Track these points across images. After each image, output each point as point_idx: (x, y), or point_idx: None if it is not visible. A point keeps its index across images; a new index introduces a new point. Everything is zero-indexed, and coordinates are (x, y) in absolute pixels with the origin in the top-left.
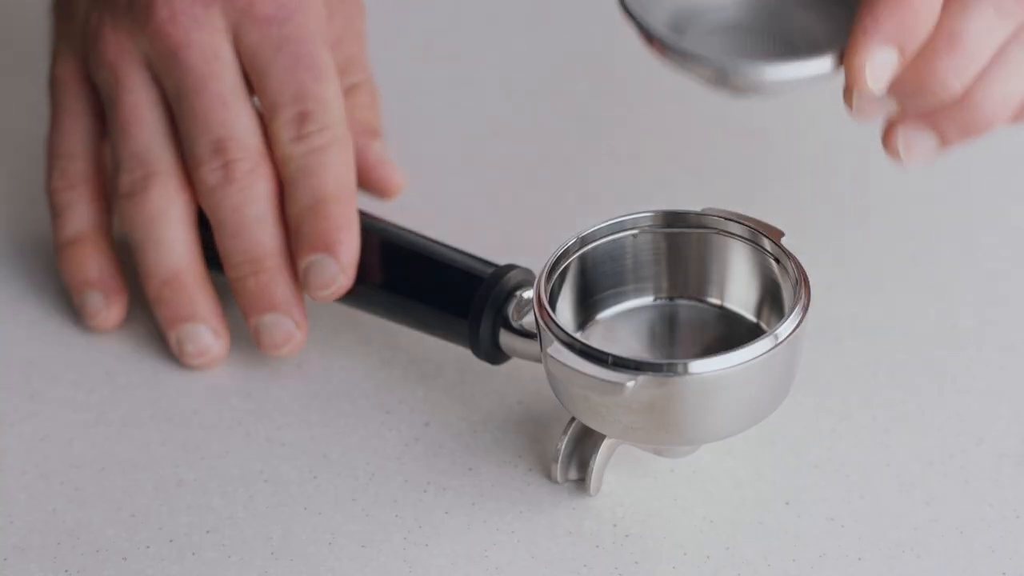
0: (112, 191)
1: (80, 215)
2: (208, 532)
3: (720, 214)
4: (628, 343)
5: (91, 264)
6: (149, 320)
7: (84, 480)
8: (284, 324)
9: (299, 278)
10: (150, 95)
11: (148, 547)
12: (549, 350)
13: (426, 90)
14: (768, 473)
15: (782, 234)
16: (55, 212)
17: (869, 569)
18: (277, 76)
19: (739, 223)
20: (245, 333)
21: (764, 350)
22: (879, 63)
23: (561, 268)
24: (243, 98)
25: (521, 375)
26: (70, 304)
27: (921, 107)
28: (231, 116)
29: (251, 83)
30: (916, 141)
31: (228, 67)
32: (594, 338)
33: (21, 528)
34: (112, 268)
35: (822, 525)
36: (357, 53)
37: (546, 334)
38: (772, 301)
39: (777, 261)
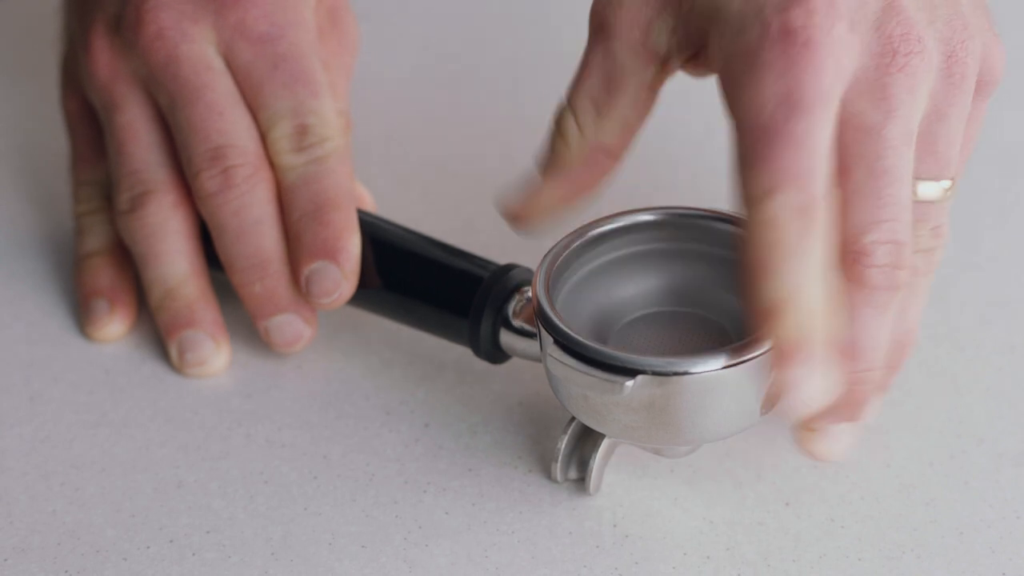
0: (113, 210)
1: (100, 234)
2: (208, 533)
3: (724, 215)
4: (637, 346)
5: (103, 275)
6: (149, 321)
7: (84, 481)
8: (294, 323)
9: (301, 286)
10: (144, 112)
11: (148, 548)
12: (548, 349)
13: (426, 90)
14: (768, 473)
15: None
16: (78, 232)
17: (869, 570)
18: (274, 92)
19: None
20: (245, 334)
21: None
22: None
23: (564, 268)
24: (238, 106)
25: (521, 375)
26: (71, 306)
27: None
28: (227, 124)
29: (246, 99)
30: (841, 437)
31: (220, 76)
32: (609, 341)
33: (21, 529)
34: (124, 282)
35: (822, 526)
36: (337, 83)
37: (545, 333)
38: None
39: None
